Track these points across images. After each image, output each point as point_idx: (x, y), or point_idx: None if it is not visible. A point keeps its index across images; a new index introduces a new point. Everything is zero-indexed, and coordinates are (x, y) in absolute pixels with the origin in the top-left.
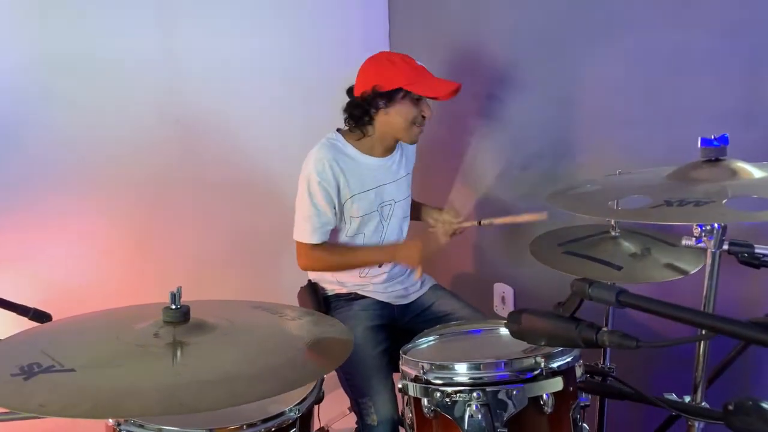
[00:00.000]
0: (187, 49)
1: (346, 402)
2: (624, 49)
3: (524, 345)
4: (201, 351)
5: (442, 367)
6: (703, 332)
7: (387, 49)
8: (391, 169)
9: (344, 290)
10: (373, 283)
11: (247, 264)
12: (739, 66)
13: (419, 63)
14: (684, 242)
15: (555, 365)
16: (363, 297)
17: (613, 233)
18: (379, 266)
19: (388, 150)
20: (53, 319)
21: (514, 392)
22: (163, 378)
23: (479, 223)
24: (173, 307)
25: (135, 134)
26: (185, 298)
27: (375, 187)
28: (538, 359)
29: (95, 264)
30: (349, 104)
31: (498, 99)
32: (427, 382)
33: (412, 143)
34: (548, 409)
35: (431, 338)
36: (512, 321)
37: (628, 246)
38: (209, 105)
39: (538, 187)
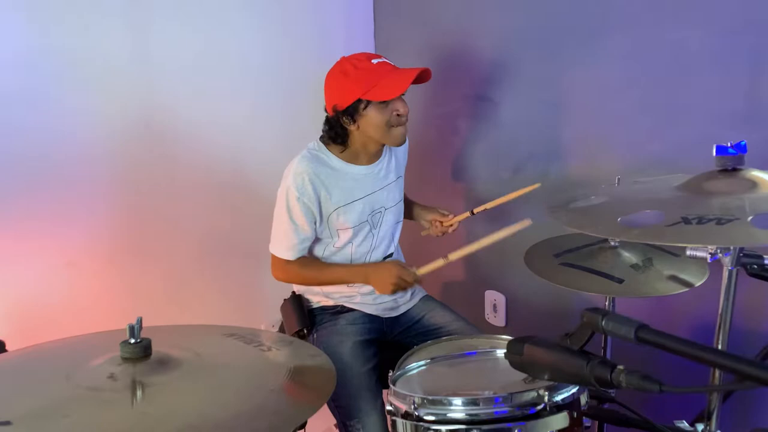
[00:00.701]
0: (159, 47)
1: (332, 418)
2: (620, 48)
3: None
4: (164, 394)
5: (435, 402)
6: (717, 374)
7: (372, 49)
8: (379, 175)
9: (330, 302)
10: (361, 293)
11: (228, 274)
12: (741, 65)
13: (376, 61)
14: (689, 253)
15: (559, 398)
16: (350, 310)
17: (612, 243)
18: None
19: (375, 156)
20: (7, 348)
21: (516, 431)
22: None
23: (472, 212)
24: (132, 341)
25: (103, 137)
26: (161, 315)
27: (363, 197)
28: (541, 392)
29: (58, 279)
30: (324, 123)
31: (489, 100)
32: (419, 419)
33: (398, 145)
34: None
35: (421, 363)
36: (513, 351)
37: (629, 256)
38: (183, 107)
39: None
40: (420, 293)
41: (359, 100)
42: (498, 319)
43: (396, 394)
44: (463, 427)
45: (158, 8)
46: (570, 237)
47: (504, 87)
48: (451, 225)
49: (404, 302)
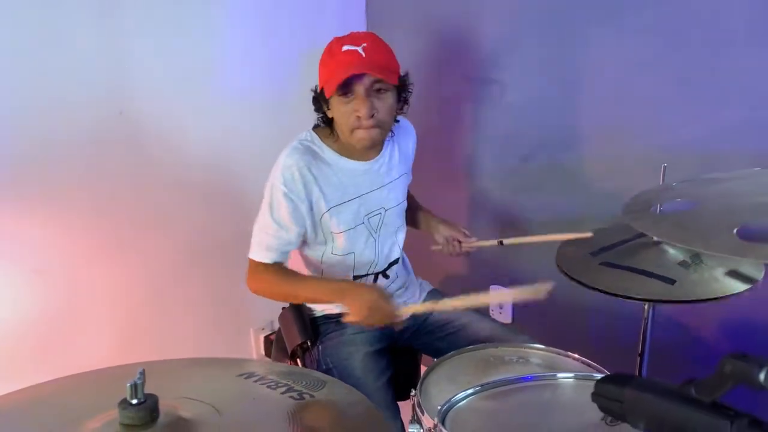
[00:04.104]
0: (133, 30)
1: None
2: (645, 21)
3: (596, 408)
4: None
5: None
6: None
7: (363, 28)
8: (379, 173)
9: (335, 311)
10: None
11: (215, 281)
12: None
13: (346, 48)
14: None
15: None
16: None
17: (654, 237)
18: (376, 279)
19: (373, 151)
20: None
21: None
22: None
23: (501, 243)
24: (134, 401)
25: (73, 127)
26: (141, 326)
27: (358, 196)
28: None
29: (23, 290)
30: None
31: (494, 82)
32: None
33: (362, 148)
34: None
35: (470, 391)
36: (608, 396)
37: (674, 252)
38: (162, 94)
39: (539, 180)
40: (427, 287)
41: (323, 90)
42: (504, 316)
43: None
44: None
45: None
46: (603, 231)
47: (511, 67)
48: (470, 248)
49: (412, 303)
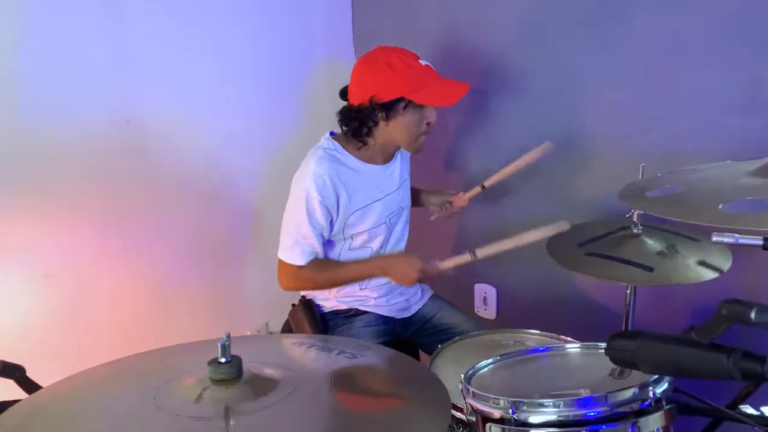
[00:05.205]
0: (138, 44)
1: None
2: (618, 37)
3: (603, 367)
4: (291, 414)
5: (536, 405)
6: None
7: (350, 37)
8: (393, 175)
9: (343, 306)
10: (374, 297)
11: (214, 284)
12: (741, 52)
13: (423, 62)
14: (715, 238)
15: (659, 391)
16: (363, 312)
17: (634, 230)
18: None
19: (390, 157)
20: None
21: (630, 429)
22: None
23: (483, 186)
24: (222, 360)
25: (79, 136)
26: (146, 325)
27: (382, 198)
28: (649, 387)
29: (36, 292)
30: (344, 112)
31: (479, 92)
32: (522, 423)
33: (416, 152)
34: None
35: (490, 360)
36: (619, 347)
37: (653, 244)
38: (166, 105)
39: (522, 184)
40: (428, 292)
41: (401, 99)
42: (488, 312)
43: (480, 399)
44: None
45: (137, 6)
46: (589, 225)
47: (493, 78)
48: (463, 204)
49: (415, 302)
